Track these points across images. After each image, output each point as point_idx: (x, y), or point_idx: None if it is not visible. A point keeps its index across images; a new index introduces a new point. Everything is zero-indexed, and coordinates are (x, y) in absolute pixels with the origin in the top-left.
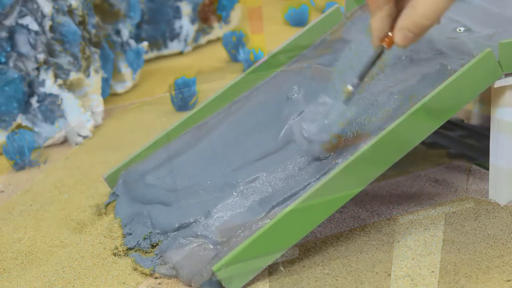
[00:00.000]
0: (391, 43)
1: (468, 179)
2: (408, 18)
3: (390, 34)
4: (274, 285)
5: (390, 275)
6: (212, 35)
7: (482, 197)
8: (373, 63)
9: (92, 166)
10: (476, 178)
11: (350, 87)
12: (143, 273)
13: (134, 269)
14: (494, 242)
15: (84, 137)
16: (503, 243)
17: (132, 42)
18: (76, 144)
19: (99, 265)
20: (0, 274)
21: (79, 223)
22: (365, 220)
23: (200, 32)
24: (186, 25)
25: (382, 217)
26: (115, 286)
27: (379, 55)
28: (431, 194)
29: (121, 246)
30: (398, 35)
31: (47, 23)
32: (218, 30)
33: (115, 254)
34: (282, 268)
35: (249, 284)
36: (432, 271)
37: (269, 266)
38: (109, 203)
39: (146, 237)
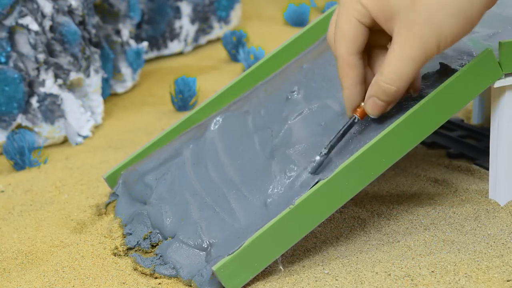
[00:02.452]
0: (364, 114)
1: (468, 179)
2: (376, 86)
3: (362, 104)
4: (274, 285)
5: (390, 275)
6: (212, 35)
7: (482, 197)
8: (343, 133)
9: (92, 166)
10: (476, 178)
11: (317, 158)
12: (143, 273)
13: (134, 269)
14: (494, 242)
15: (84, 137)
16: (503, 243)
17: (132, 42)
18: (76, 144)
19: (99, 265)
20: (0, 274)
21: (79, 223)
22: (365, 220)
23: (200, 32)
24: (186, 25)
25: (382, 217)
26: (115, 286)
27: (350, 126)
28: (431, 194)
29: (121, 246)
30: (369, 104)
31: (47, 23)
32: (218, 30)
33: (115, 254)
34: (281, 268)
35: (249, 284)
36: (432, 271)
37: (269, 266)
38: (109, 203)
39: (146, 237)
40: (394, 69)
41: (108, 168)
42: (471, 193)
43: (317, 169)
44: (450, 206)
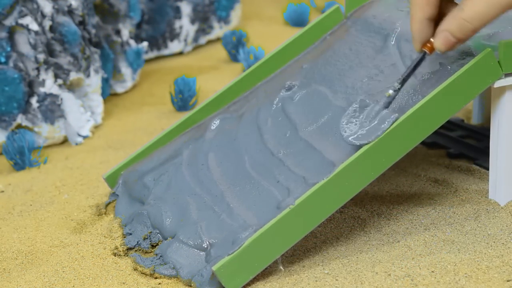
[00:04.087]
0: (433, 49)
1: (468, 179)
2: (454, 20)
3: (432, 39)
4: (274, 285)
5: (390, 275)
6: (212, 35)
7: (482, 197)
8: (414, 68)
9: (92, 166)
10: (476, 178)
11: (391, 91)
12: (143, 273)
13: (134, 269)
14: (494, 242)
15: (84, 137)
16: (503, 243)
17: (132, 42)
18: (76, 144)
19: (99, 265)
20: (0, 274)
21: (79, 223)
22: (365, 220)
23: (200, 32)
24: (186, 25)
25: (382, 217)
26: (115, 286)
27: (420, 60)
28: (431, 194)
29: (121, 246)
30: (440, 37)
31: (47, 23)
32: (218, 30)
33: (115, 254)
34: (281, 268)
35: (249, 284)
36: (432, 271)
37: (269, 266)
38: (109, 203)
39: (146, 237)
40: (478, 7)
41: (108, 168)
42: (471, 193)
43: (390, 104)
44: (450, 206)
